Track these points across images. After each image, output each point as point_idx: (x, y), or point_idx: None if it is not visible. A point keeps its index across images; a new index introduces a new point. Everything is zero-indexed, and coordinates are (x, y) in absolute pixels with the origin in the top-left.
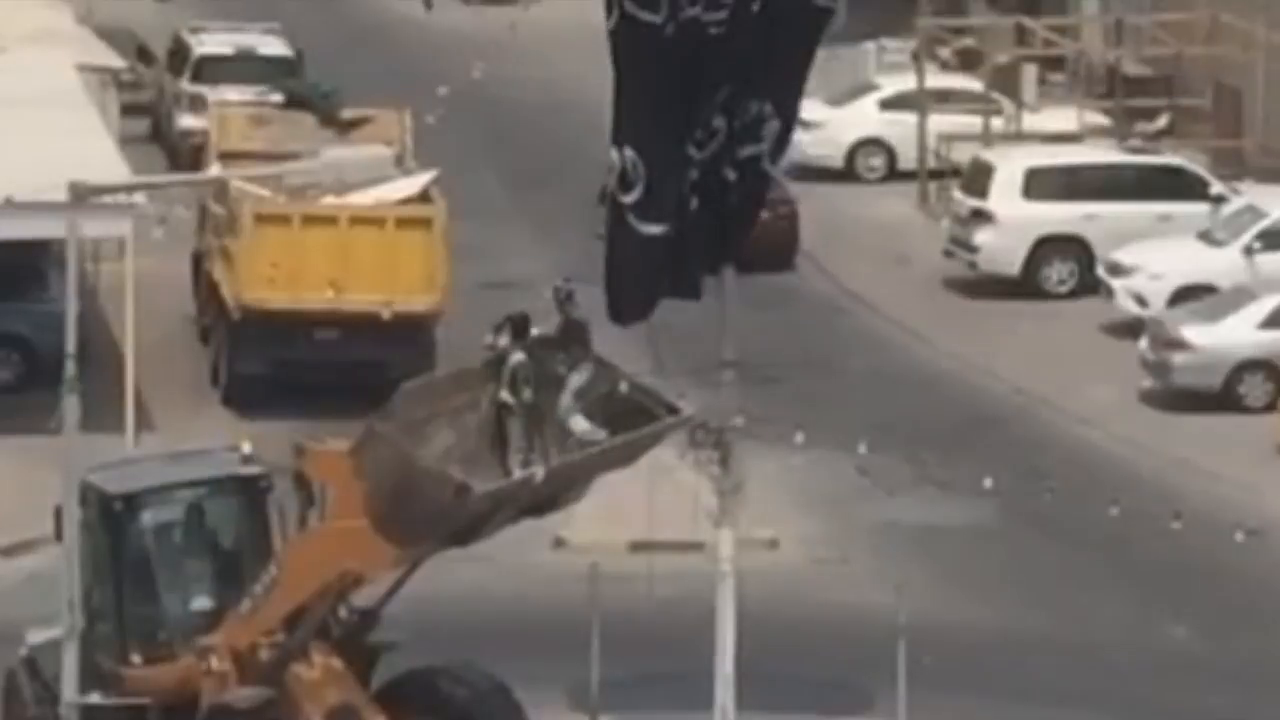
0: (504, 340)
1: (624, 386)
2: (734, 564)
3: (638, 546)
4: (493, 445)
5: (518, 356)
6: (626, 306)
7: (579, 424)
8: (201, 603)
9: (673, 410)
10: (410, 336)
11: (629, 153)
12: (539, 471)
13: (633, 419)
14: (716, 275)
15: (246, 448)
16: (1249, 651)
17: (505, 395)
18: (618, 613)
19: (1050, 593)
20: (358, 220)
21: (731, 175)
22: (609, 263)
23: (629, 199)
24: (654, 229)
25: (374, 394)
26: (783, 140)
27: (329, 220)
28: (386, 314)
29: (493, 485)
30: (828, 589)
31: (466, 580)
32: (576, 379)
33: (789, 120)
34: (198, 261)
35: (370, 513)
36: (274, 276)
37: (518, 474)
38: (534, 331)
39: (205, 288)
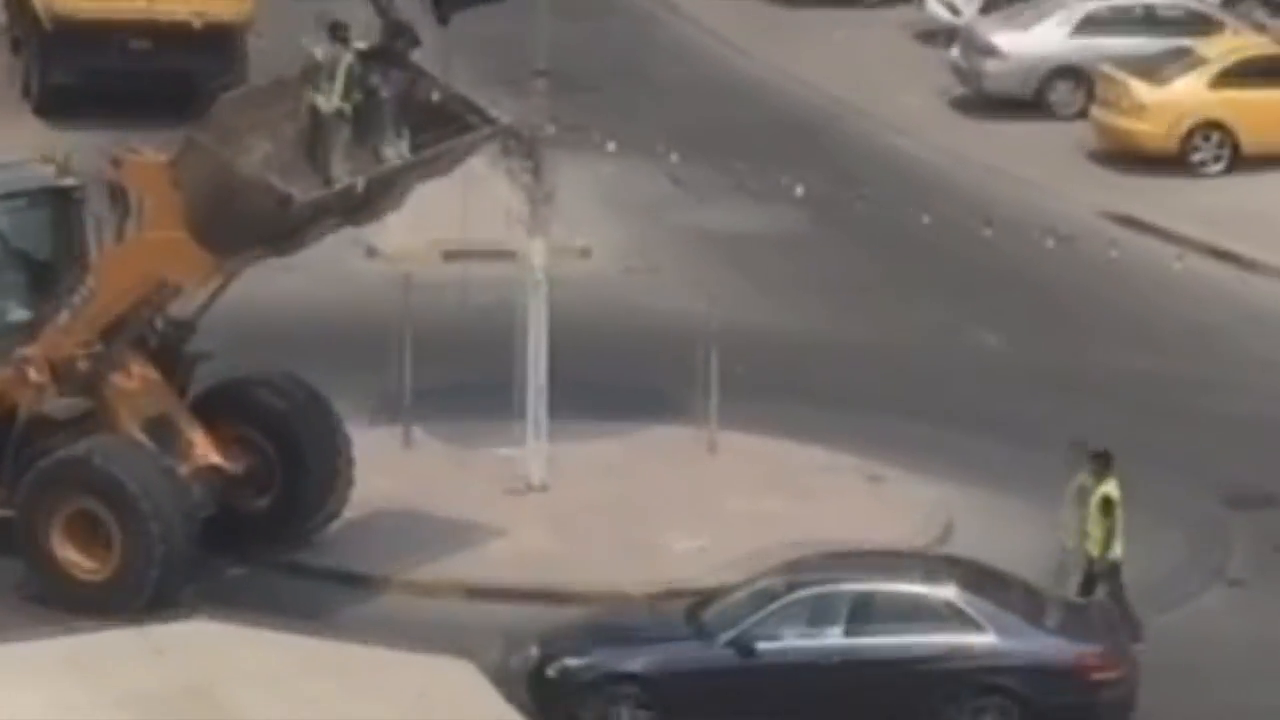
0: (321, 47)
1: (440, 95)
2: (546, 272)
3: (450, 255)
4: (311, 154)
5: (348, 58)
6: (447, 5)
7: (389, 152)
8: (17, 314)
9: (489, 119)
10: (221, 46)
11: None
12: (360, 180)
13: (449, 127)
14: None
15: (60, 158)
16: (1059, 356)
17: (327, 101)
18: (430, 321)
19: (862, 300)
20: None
21: None
22: None
23: None
24: None
25: (185, 104)
26: None
27: None
28: (198, 23)
29: (314, 194)
30: (640, 297)
31: (280, 290)
32: (389, 88)
33: None
34: None
35: (189, 222)
36: None
37: (338, 182)
38: (356, 42)
39: None
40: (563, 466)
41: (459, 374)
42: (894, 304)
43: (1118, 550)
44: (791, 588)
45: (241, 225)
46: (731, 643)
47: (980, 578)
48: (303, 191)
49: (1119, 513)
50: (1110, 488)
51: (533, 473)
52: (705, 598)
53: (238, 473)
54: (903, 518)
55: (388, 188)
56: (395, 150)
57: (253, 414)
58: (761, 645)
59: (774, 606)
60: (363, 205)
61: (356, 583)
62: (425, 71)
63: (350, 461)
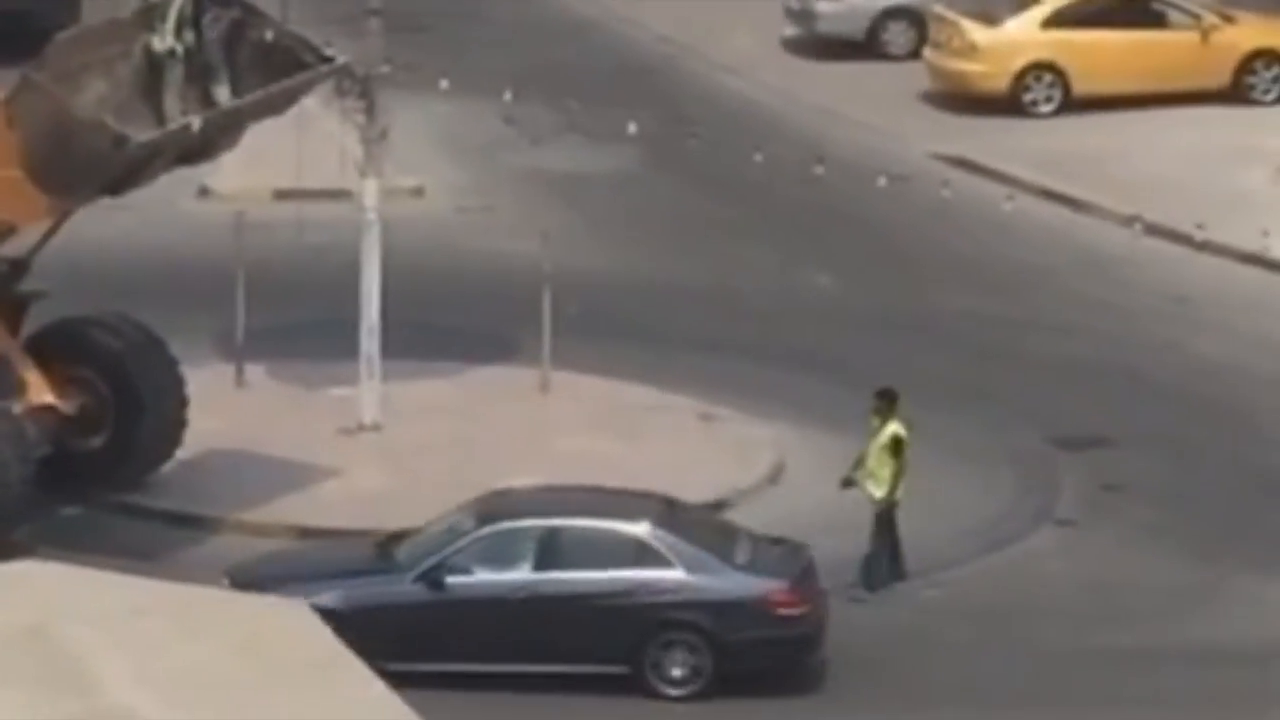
0: None
1: (273, 34)
2: (379, 212)
3: (283, 195)
4: (145, 94)
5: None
6: None
7: (222, 92)
8: None
9: (324, 58)
10: None
11: None
12: (195, 120)
13: (284, 66)
14: None
15: None
16: (891, 296)
17: (161, 42)
18: (264, 261)
19: (694, 240)
20: None
21: None
22: None
23: None
24: None
25: (19, 44)
26: None
27: None
28: None
29: (149, 134)
30: (473, 237)
31: (113, 229)
32: (221, 28)
33: None
34: None
35: (24, 162)
36: None
37: (173, 122)
38: None
39: None
40: (396, 406)
41: (293, 314)
42: (727, 244)
43: (899, 491)
44: (481, 523)
45: (77, 165)
46: (420, 578)
47: (674, 515)
48: (138, 132)
49: (907, 453)
50: (898, 427)
51: (366, 412)
52: (397, 533)
53: (72, 413)
54: (734, 457)
55: (223, 128)
56: (227, 91)
57: (87, 354)
58: (450, 580)
59: (462, 542)
60: (198, 146)
61: (190, 523)
62: (259, 10)
63: (185, 402)
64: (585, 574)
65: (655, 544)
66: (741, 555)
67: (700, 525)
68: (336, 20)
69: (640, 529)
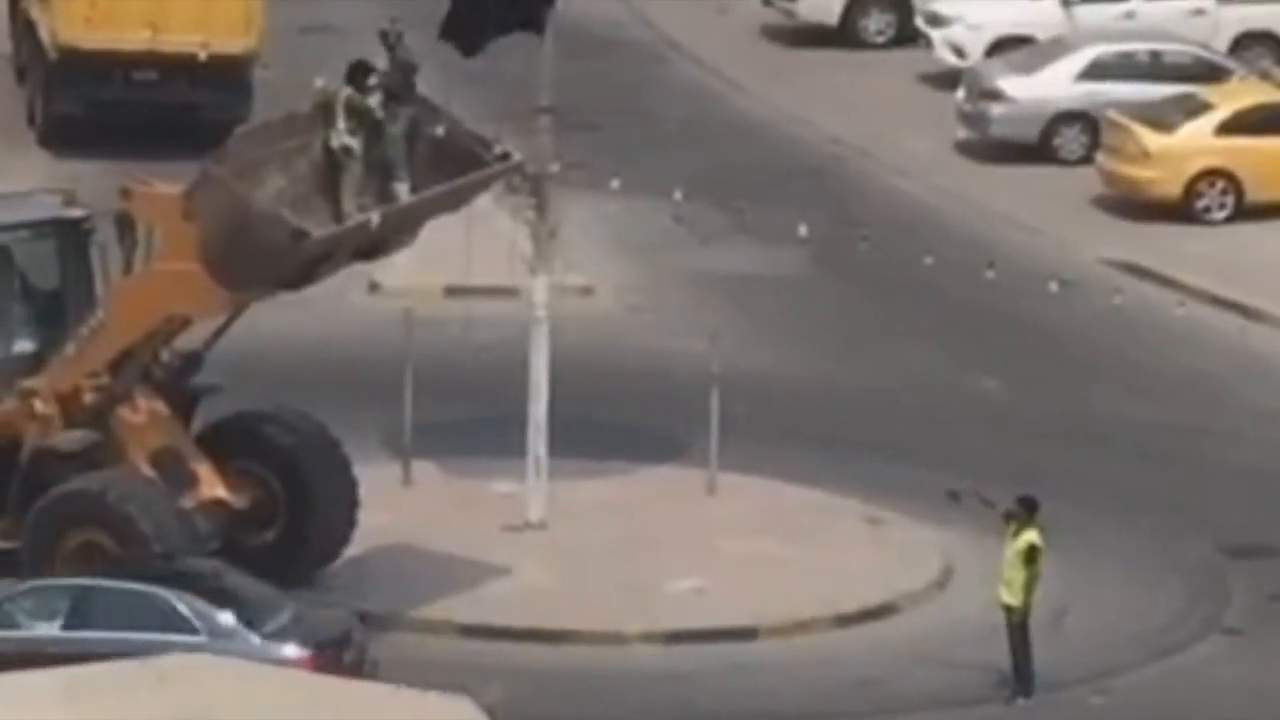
0: (333, 85)
1: (447, 130)
2: (548, 310)
3: (453, 291)
4: (323, 189)
5: (347, 93)
6: (466, 40)
7: (400, 188)
8: (24, 345)
9: (500, 155)
10: (226, 79)
11: None
12: (374, 216)
13: (461, 163)
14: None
15: (69, 189)
16: (1060, 401)
17: (339, 138)
18: (432, 357)
19: (863, 343)
20: None
21: None
22: None
23: None
24: None
25: (190, 136)
26: None
27: None
28: (203, 55)
29: (330, 230)
30: (642, 336)
31: (283, 324)
32: (400, 125)
33: None
34: (14, 1)
35: (202, 256)
36: (91, 16)
37: (353, 218)
38: (371, 79)
39: (21, 26)
40: (562, 504)
41: (460, 410)
42: (896, 347)
43: (1033, 599)
44: (25, 581)
45: (255, 260)
46: None
47: (221, 583)
48: (316, 227)
49: (1042, 560)
50: (1034, 535)
51: (532, 510)
52: None
53: (243, 507)
54: (901, 561)
55: (401, 224)
56: (406, 187)
57: (260, 449)
58: None
59: (11, 594)
60: (375, 242)
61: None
62: (435, 106)
63: (356, 501)
64: (108, 635)
65: (182, 609)
66: (274, 623)
67: (245, 592)
68: (508, 117)
69: (169, 594)
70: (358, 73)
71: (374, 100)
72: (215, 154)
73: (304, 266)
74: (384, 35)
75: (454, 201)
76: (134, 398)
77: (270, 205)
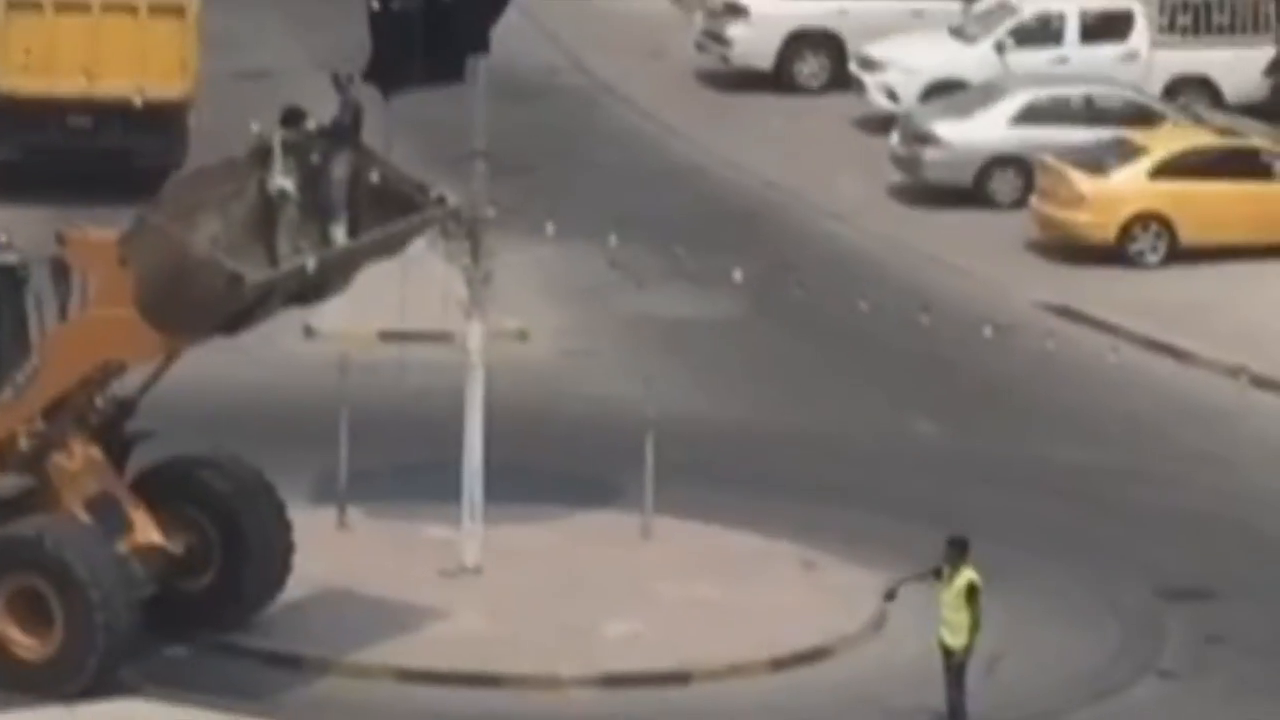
0: (269, 130)
1: (381, 174)
2: (483, 355)
3: (388, 336)
4: (258, 234)
5: (286, 137)
6: (389, 81)
7: (338, 233)
8: None
9: (437, 200)
10: (162, 125)
11: None
12: (311, 261)
13: (395, 207)
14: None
15: (3, 236)
16: (995, 445)
17: (275, 181)
18: (367, 403)
19: (799, 387)
20: (110, 7)
21: None
22: (374, 38)
23: None
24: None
25: (125, 182)
26: None
27: (82, 7)
28: (138, 101)
29: (266, 274)
30: (577, 381)
31: (217, 368)
32: (339, 169)
33: None
34: None
35: (138, 301)
36: (26, 64)
37: (289, 263)
38: (307, 123)
39: None
40: (498, 549)
41: (396, 455)
42: (831, 391)
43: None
44: None
45: (192, 305)
46: None
47: None
48: (252, 271)
49: (981, 600)
50: (972, 574)
51: (468, 555)
52: None
53: (178, 552)
54: (837, 604)
55: (337, 269)
56: (343, 231)
57: (195, 493)
58: None
59: None
60: (312, 286)
61: (292, 664)
62: (370, 150)
63: (291, 547)
64: None
65: None
66: None
67: None
68: (442, 161)
69: None
70: (292, 117)
71: (313, 144)
72: (151, 200)
73: (239, 311)
74: (335, 78)
75: (390, 246)
76: (69, 443)
77: (206, 250)
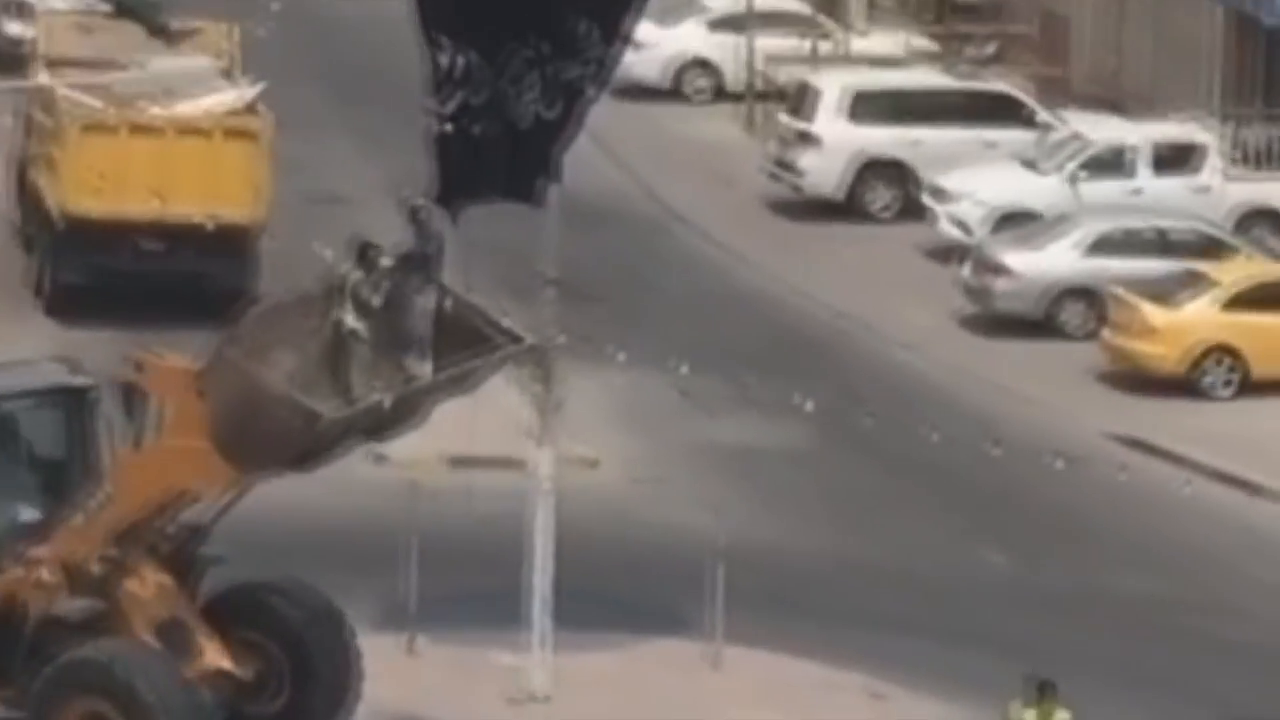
0: (347, 265)
1: (461, 309)
2: (553, 482)
3: (458, 463)
4: (334, 370)
5: (356, 275)
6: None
7: (416, 366)
8: (28, 514)
9: (515, 337)
10: (233, 249)
11: (458, 58)
12: (386, 398)
13: (472, 344)
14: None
15: (75, 359)
16: (1065, 577)
17: (349, 319)
18: (436, 529)
19: (868, 517)
20: (183, 131)
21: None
22: (440, 161)
23: (451, 104)
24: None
25: (196, 306)
26: (609, 62)
27: (155, 130)
28: (210, 225)
29: (342, 412)
30: (647, 509)
31: (288, 494)
32: (423, 302)
33: (612, 40)
34: (22, 170)
35: (213, 434)
36: (99, 186)
37: (365, 400)
38: (383, 258)
39: (29, 196)
40: (566, 677)
41: (464, 581)
42: (901, 521)
43: None
44: None
45: (267, 441)
46: None
47: None
48: (329, 409)
49: None
50: (1067, 715)
51: (536, 683)
52: None
53: (247, 679)
54: None
55: (413, 405)
56: (420, 366)
57: (264, 620)
58: None
59: None
60: (387, 422)
61: None
62: (443, 283)
63: (360, 675)
64: None
65: None
66: None
67: None
68: (513, 289)
69: None
70: (365, 252)
71: (390, 277)
72: (228, 334)
73: (315, 448)
74: (414, 210)
75: (466, 383)
76: (140, 569)
77: (283, 388)
